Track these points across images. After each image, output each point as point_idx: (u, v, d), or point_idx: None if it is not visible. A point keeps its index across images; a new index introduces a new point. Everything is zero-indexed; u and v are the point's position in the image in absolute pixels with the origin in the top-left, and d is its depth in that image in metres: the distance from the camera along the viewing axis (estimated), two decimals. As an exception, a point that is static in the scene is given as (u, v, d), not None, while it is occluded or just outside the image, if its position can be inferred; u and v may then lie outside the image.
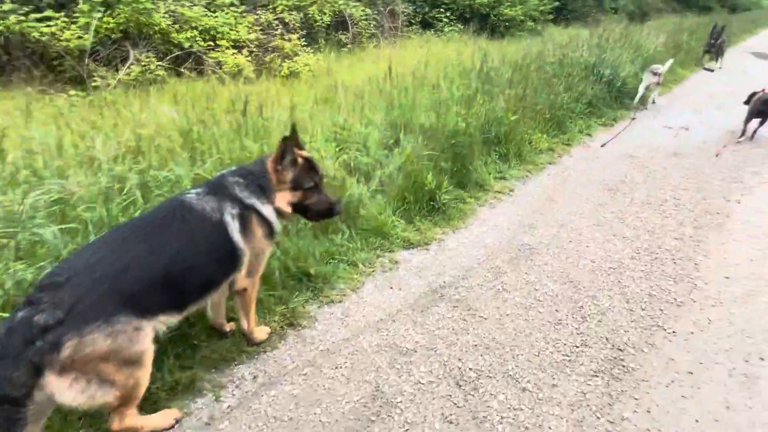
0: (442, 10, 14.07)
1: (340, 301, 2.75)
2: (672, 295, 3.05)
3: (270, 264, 2.56)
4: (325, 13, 9.99)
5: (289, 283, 2.73)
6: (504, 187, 4.30)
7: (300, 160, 2.10)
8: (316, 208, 2.22)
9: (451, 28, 13.80)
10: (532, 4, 15.50)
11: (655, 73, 7.25)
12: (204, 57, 6.49)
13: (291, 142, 2.06)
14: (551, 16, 18.07)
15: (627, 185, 4.62)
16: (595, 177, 4.73)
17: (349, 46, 10.51)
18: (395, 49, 10.94)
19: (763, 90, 6.19)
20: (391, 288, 2.89)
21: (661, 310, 2.90)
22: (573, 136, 5.62)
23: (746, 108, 6.22)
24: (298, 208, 2.16)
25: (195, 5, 7.17)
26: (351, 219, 3.21)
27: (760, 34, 22.53)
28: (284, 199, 2.09)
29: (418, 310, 2.71)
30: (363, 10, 11.44)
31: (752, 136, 6.34)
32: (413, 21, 13.74)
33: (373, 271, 2.96)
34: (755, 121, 6.23)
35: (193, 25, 6.70)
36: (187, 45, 6.32)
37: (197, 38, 6.54)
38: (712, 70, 10.89)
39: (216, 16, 7.21)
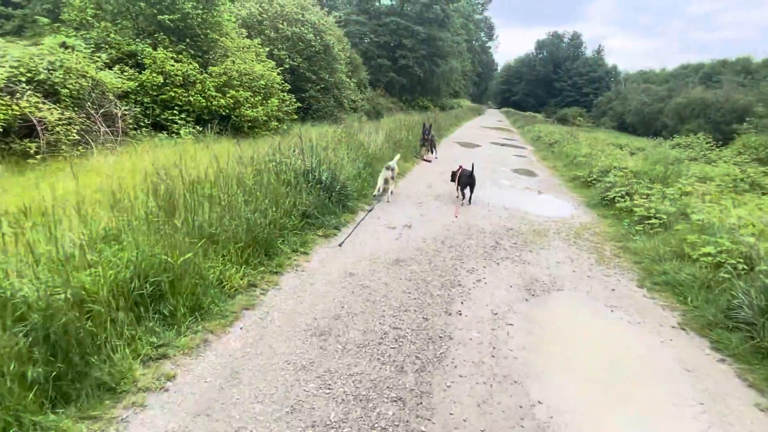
0: (175, 111, 12.65)
1: None
2: None
3: None
4: (-7, 118, 7.53)
5: None
6: (159, 375, 2.81)
7: None
8: None
9: (188, 130, 12.41)
10: (273, 105, 15.37)
11: (388, 168, 7.63)
12: None
13: None
14: (296, 116, 18.46)
15: (342, 321, 3.68)
16: (304, 318, 3.68)
17: (38, 157, 8.12)
18: (116, 156, 8.98)
19: (461, 167, 8.37)
20: None
21: None
22: (284, 261, 4.62)
23: (453, 184, 8.50)
24: None
25: None
26: None
27: (463, 126, 27.74)
28: None
29: None
30: (61, 113, 9.17)
31: (469, 201, 8.25)
32: (142, 124, 11.92)
33: None
34: (467, 190, 8.20)
35: None
36: None
37: None
38: (430, 161, 12.00)
39: None
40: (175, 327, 3.20)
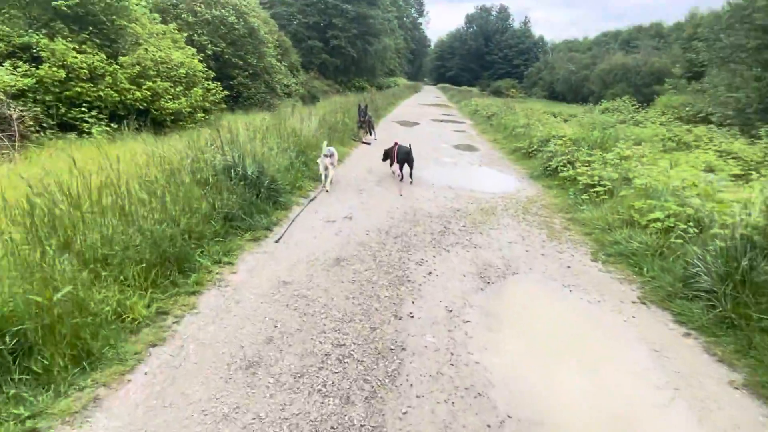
0: (84, 109, 11.23)
1: None
2: None
3: None
4: None
5: None
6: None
7: None
8: None
9: (101, 128, 11.05)
10: (197, 95, 14.12)
11: (327, 155, 7.07)
12: None
13: None
14: (225, 105, 17.21)
15: (275, 346, 3.07)
16: (228, 348, 3.04)
17: None
18: (13, 165, 7.74)
19: (396, 144, 8.03)
20: None
21: None
22: (203, 277, 3.90)
23: (395, 166, 8.10)
24: None
25: None
26: None
27: (401, 104, 27.25)
28: None
29: None
30: (-62, 122, 7.80)
31: (411, 178, 7.88)
32: (46, 125, 10.48)
33: None
34: (406, 167, 7.86)
35: None
36: None
37: None
38: (369, 143, 11.40)
39: None
40: (53, 387, 2.46)
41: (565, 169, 8.08)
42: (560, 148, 9.07)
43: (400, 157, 7.86)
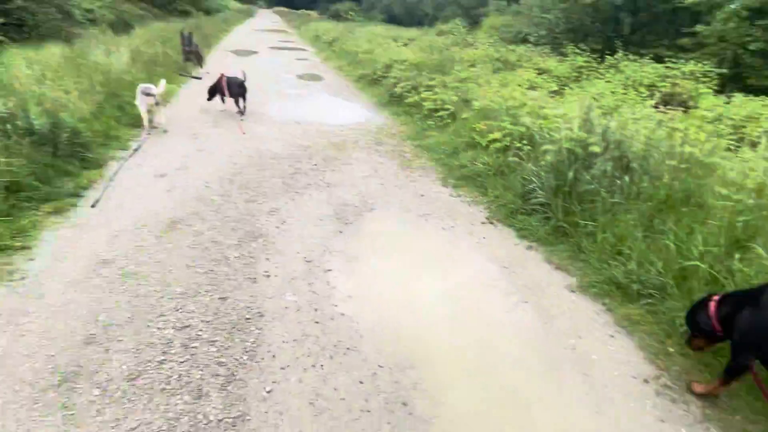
0: None
1: None
2: None
3: None
4: None
5: None
6: None
7: None
8: None
9: None
10: (-45, 23, 10.64)
11: (148, 94, 5.94)
12: None
13: None
14: (2, 38, 13.40)
15: (100, 346, 2.48)
16: (31, 361, 2.37)
17: None
18: None
19: (222, 76, 7.16)
20: None
21: None
22: (-19, 272, 2.93)
23: (228, 103, 7.31)
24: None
25: None
26: None
27: (234, 31, 24.51)
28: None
29: None
30: None
31: (243, 111, 7.31)
32: None
33: None
34: (240, 101, 7.24)
35: None
36: None
37: None
38: (200, 78, 9.94)
39: None
40: None
41: (409, 95, 8.05)
42: (403, 73, 8.99)
43: (235, 90, 7.10)
